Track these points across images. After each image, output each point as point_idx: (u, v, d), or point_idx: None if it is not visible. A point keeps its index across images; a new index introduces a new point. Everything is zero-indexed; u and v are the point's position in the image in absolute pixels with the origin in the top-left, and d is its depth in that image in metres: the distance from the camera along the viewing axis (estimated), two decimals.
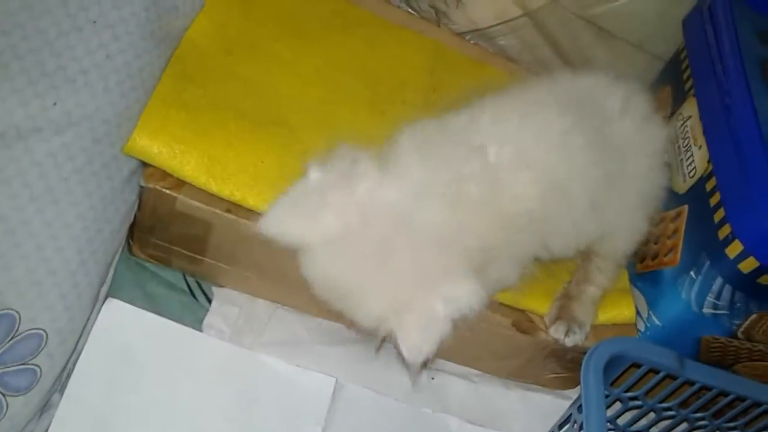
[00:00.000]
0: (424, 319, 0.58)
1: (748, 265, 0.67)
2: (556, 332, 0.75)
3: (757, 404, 0.73)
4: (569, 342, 0.76)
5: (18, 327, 0.63)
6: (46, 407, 0.67)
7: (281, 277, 0.75)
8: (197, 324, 0.78)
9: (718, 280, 0.71)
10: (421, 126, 0.65)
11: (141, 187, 0.72)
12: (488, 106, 0.68)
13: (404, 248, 0.58)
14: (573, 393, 0.85)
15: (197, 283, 0.82)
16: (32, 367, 0.63)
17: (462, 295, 0.58)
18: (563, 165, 0.66)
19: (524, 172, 0.63)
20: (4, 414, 0.62)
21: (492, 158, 0.63)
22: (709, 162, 0.74)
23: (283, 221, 0.61)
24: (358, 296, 0.60)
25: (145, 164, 0.72)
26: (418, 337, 0.58)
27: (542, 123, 0.66)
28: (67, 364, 0.68)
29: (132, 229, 0.78)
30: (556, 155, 0.65)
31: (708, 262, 0.72)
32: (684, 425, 0.79)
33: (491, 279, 0.64)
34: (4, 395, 0.62)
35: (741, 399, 0.73)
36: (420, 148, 0.62)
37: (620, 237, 0.76)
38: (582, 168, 0.67)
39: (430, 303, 0.58)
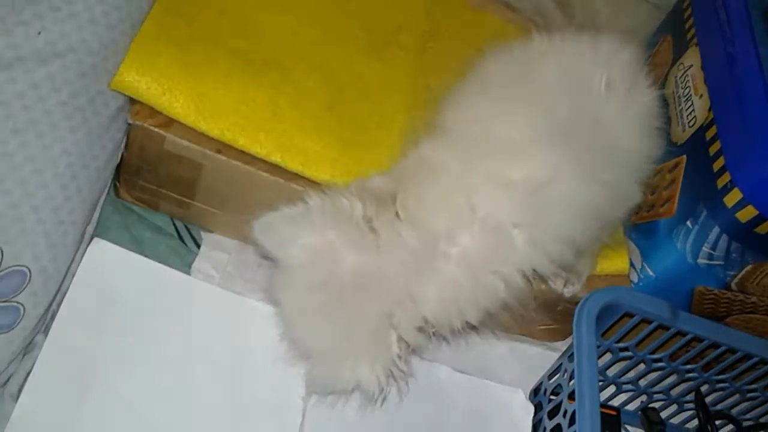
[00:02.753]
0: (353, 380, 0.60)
1: (747, 213, 0.67)
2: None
3: (748, 357, 0.74)
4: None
5: (1, 263, 0.61)
6: (29, 348, 0.66)
7: None
8: (185, 269, 0.76)
9: (715, 230, 0.71)
10: (404, 172, 0.64)
11: (128, 124, 0.70)
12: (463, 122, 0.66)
13: (351, 307, 0.60)
14: (562, 345, 0.85)
15: (186, 227, 0.80)
16: (15, 304, 0.62)
17: (363, 378, 0.59)
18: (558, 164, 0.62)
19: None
20: None
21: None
22: (709, 110, 0.73)
23: (269, 231, 0.61)
24: (307, 342, 0.62)
25: (132, 101, 0.70)
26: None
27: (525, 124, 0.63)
28: (51, 303, 0.66)
29: (119, 170, 0.76)
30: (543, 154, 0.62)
31: (705, 212, 0.71)
32: (673, 377, 0.79)
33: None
34: None
35: (732, 351, 0.73)
36: (409, 204, 0.61)
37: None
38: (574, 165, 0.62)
39: (358, 366, 0.59)
